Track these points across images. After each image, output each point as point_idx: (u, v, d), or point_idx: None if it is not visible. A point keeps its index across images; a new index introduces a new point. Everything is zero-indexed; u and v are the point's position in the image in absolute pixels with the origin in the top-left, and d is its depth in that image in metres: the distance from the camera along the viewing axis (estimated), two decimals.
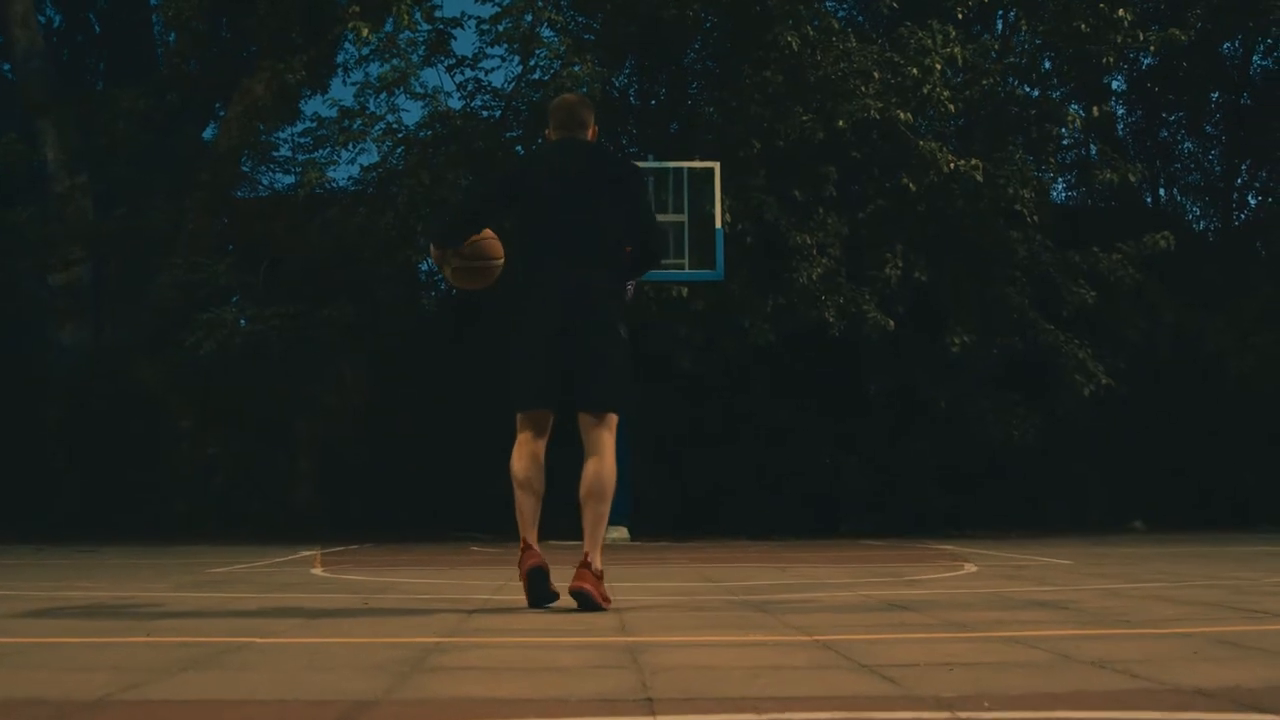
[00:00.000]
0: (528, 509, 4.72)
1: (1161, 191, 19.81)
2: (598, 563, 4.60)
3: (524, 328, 4.76)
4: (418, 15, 15.44)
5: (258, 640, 3.62)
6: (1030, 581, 6.25)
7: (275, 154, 18.11)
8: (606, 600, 4.59)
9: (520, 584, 4.69)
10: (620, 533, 13.52)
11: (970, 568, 7.69)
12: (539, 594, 4.67)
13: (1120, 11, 14.86)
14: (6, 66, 20.42)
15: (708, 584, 6.39)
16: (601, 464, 4.65)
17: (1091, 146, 18.33)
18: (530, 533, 4.69)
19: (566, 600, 4.57)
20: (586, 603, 4.48)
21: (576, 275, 4.69)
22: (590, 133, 4.99)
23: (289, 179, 17.68)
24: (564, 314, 4.67)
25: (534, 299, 4.73)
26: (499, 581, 6.39)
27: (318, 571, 7.70)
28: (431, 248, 5.10)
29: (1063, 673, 2.80)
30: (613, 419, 4.75)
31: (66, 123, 18.43)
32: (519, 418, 4.79)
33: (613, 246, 4.81)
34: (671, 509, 15.87)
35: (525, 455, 4.74)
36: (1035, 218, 15.31)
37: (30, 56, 19.10)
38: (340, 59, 18.72)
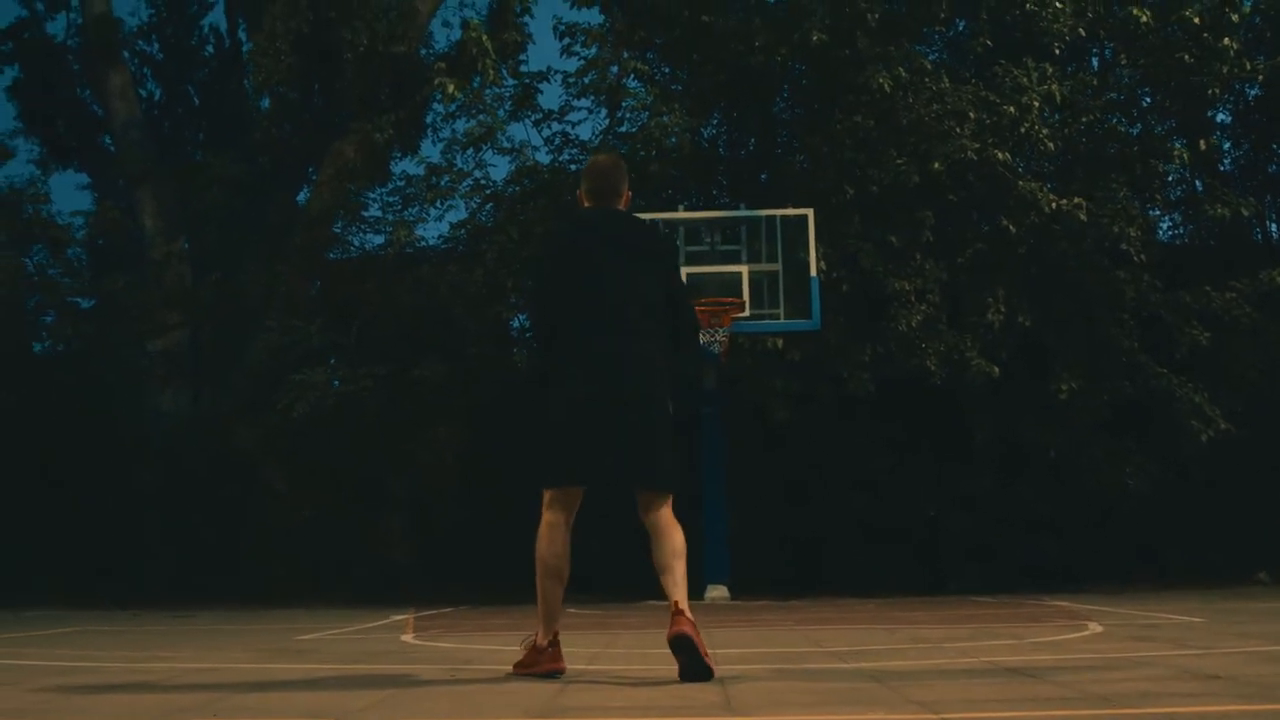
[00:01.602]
0: (557, 599, 4.53)
1: (1273, 227, 19.04)
2: (688, 612, 4.31)
3: (566, 399, 4.52)
4: (504, 71, 15.42)
5: None
6: (1166, 644, 5.79)
7: (365, 214, 18.20)
8: (708, 654, 4.28)
9: (528, 662, 4.59)
10: (720, 592, 13.13)
11: (1095, 627, 7.21)
12: (533, 678, 4.52)
13: (1226, 40, 14.34)
14: (108, 140, 20.86)
15: (814, 649, 6.02)
16: (673, 541, 4.45)
17: (1197, 182, 17.67)
18: (557, 624, 4.52)
19: (661, 664, 4.25)
20: (688, 649, 4.20)
21: (625, 346, 4.50)
22: (624, 200, 4.84)
23: (379, 239, 17.74)
24: (614, 386, 4.47)
25: (580, 370, 4.52)
26: (594, 649, 6.09)
27: (408, 638, 7.46)
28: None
29: None
30: (671, 497, 4.53)
31: (163, 191, 18.74)
32: (550, 495, 4.54)
33: (658, 318, 4.62)
34: (771, 565, 15.41)
35: (556, 540, 4.52)
36: (1142, 256, 14.75)
37: (129, 127, 19.51)
38: (429, 119, 18.82)
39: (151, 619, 10.91)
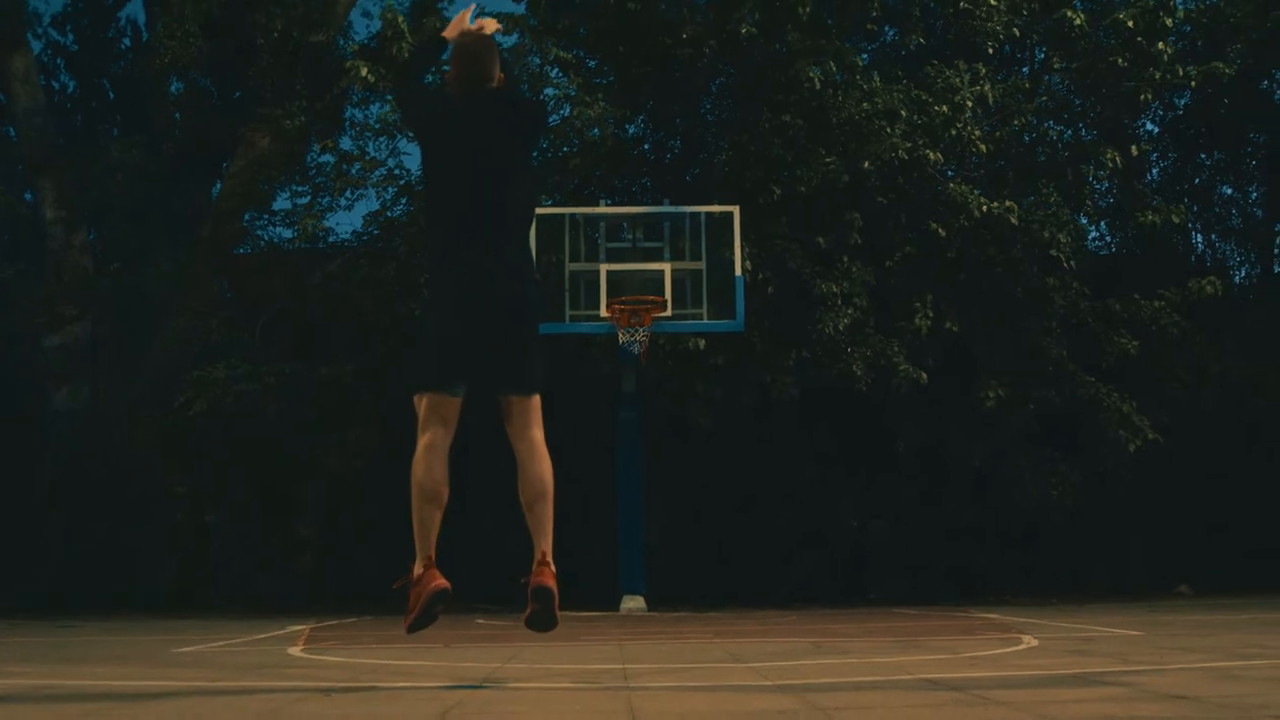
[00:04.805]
0: (432, 521, 4.27)
1: (1199, 238, 18.93)
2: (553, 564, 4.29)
3: (432, 305, 4.43)
4: None
5: None
6: (1110, 659, 5.37)
7: (274, 205, 17.45)
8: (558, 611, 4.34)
9: (412, 604, 4.23)
10: (636, 602, 12.64)
11: (1030, 640, 6.81)
12: (428, 619, 4.19)
13: (1160, 45, 14.15)
14: (10, 130, 19.89)
15: (735, 664, 5.54)
16: (541, 463, 4.35)
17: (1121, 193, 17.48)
18: (432, 549, 4.24)
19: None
20: (545, 599, 4.20)
21: (491, 255, 4.33)
22: (497, 83, 4.51)
23: (289, 233, 17.02)
24: (481, 294, 4.30)
25: (444, 277, 4.36)
26: (494, 664, 5.56)
27: (295, 651, 6.86)
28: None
29: None
30: (538, 406, 4.42)
31: (65, 179, 17.86)
32: (423, 411, 4.31)
33: (524, 217, 4.51)
34: (690, 575, 14.95)
35: (434, 464, 4.28)
36: (1072, 263, 14.50)
37: (32, 114, 18.58)
38: (348, 114, 18.11)
39: (32, 630, 10.18)
